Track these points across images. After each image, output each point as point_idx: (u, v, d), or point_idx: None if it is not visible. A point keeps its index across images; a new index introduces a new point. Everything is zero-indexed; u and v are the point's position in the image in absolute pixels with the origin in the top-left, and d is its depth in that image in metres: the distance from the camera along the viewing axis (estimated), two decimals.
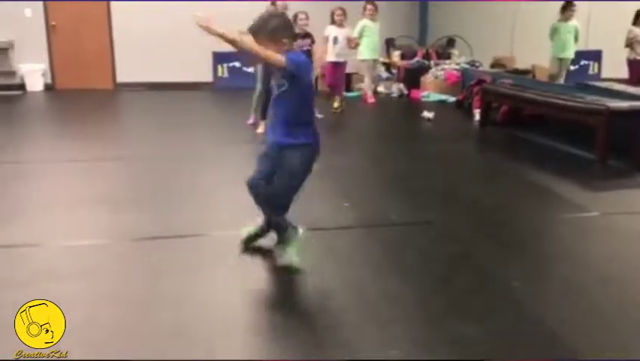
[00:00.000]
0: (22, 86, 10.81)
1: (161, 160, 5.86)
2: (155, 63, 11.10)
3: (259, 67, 7.33)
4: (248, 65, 10.75)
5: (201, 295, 2.99)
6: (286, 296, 3.10)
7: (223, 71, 11.75)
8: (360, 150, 6.58)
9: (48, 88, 11.03)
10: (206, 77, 11.67)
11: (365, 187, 5.13)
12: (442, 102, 10.01)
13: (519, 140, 7.23)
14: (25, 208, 4.36)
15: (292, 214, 3.38)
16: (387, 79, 11.65)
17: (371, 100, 9.85)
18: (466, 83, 9.67)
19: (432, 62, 11.29)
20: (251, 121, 7.65)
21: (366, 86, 10.01)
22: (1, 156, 5.94)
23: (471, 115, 8.55)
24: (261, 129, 7.12)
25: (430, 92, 10.49)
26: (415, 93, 10.71)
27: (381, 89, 11.26)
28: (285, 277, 3.23)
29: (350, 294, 3.05)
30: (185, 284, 3.10)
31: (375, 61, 10.08)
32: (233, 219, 3.85)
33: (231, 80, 11.60)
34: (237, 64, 11.58)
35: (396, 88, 11.15)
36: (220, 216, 4.14)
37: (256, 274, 3.31)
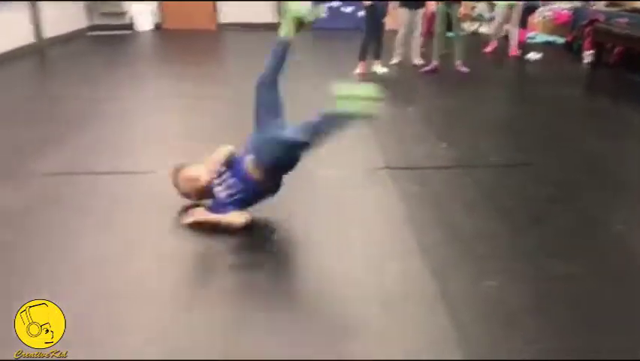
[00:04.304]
0: (131, 26, 11.34)
1: None
2: (253, 5, 11.25)
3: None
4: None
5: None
6: (382, 225, 3.22)
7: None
8: (462, 92, 6.46)
9: (156, 28, 11.50)
10: None
11: (465, 129, 5.06)
12: (549, 44, 9.52)
13: (631, 83, 6.81)
14: (138, 140, 4.71)
15: None
16: (491, 19, 11.18)
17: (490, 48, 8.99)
18: (577, 23, 9.11)
19: (540, 2, 10.68)
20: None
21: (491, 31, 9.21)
22: (117, 92, 6.36)
23: (580, 57, 8.11)
24: (359, 70, 7.14)
25: (536, 32, 9.99)
26: (520, 34, 10.22)
27: (484, 30, 10.84)
28: (380, 210, 3.34)
29: (445, 231, 3.11)
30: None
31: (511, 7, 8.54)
32: (330, 158, 3.88)
33: (328, 21, 11.54)
34: (335, 4, 11.49)
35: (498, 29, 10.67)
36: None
37: (355, 205, 3.44)
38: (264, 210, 3.18)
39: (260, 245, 2.94)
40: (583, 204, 3.44)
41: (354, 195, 3.61)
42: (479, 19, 10.97)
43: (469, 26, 10.60)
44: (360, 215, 3.35)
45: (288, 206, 3.30)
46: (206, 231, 3.05)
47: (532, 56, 8.18)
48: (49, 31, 9.37)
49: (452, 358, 2.13)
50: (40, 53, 8.93)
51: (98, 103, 5.80)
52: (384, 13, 7.12)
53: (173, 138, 4.73)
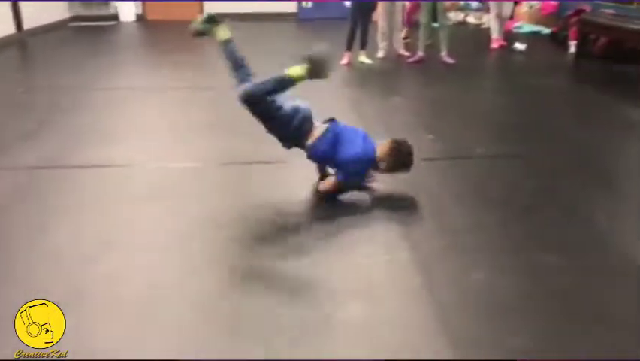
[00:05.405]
0: (115, 17, 11.19)
1: None
2: None
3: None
4: None
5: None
6: (369, 218, 3.18)
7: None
8: (449, 82, 6.42)
9: (139, 18, 11.36)
10: (291, 7, 11.60)
11: (452, 120, 5.03)
12: (535, 34, 9.51)
13: (616, 74, 6.82)
14: (120, 132, 4.62)
15: None
16: (478, 9, 11.18)
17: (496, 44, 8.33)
18: (564, 13, 9.10)
19: None
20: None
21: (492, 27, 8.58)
22: (99, 82, 6.26)
23: (566, 47, 8.10)
24: (345, 60, 7.08)
25: (522, 22, 9.99)
26: (506, 24, 10.21)
27: (471, 19, 10.84)
28: (367, 203, 3.30)
29: (432, 223, 3.10)
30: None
31: None
32: None
33: (316, 11, 11.47)
34: None
35: (487, 19, 10.67)
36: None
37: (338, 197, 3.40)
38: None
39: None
40: (568, 196, 3.43)
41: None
42: (466, 8, 10.95)
43: (455, 16, 10.58)
44: (343, 206, 3.31)
45: (277, 196, 3.24)
46: (194, 215, 3.01)
47: (518, 46, 8.16)
48: (30, 22, 9.21)
49: (436, 350, 2.11)
50: (20, 44, 8.77)
51: (78, 94, 5.71)
52: (372, 3, 7.07)
53: (152, 130, 4.66)
